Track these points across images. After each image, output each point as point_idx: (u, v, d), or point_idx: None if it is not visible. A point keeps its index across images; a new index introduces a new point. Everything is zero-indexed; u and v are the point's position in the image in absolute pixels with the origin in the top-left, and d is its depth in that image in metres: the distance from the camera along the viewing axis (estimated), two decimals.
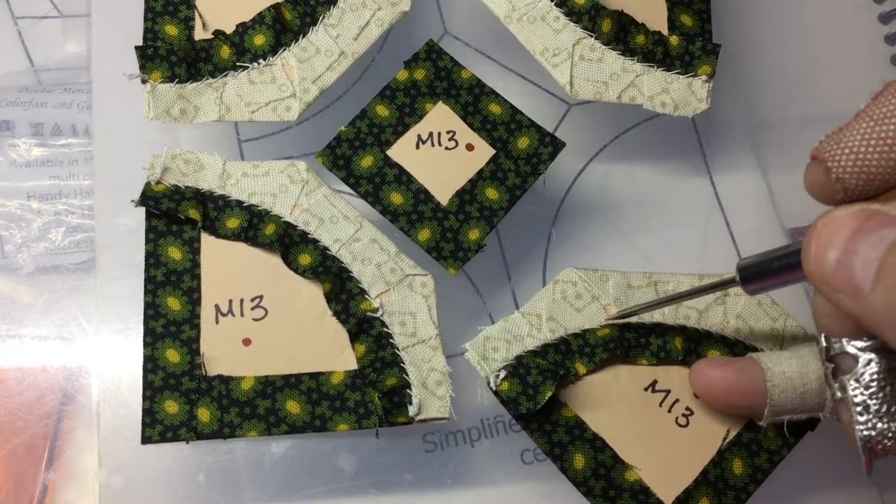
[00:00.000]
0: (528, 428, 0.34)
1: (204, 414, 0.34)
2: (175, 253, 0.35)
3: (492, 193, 0.37)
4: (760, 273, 0.31)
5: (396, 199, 0.37)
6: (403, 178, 0.37)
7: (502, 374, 0.35)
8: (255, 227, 0.36)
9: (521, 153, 0.38)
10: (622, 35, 0.40)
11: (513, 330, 0.36)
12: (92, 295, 0.40)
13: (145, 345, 0.34)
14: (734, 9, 0.49)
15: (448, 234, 0.36)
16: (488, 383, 0.34)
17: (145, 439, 0.33)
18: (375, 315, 0.35)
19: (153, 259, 0.35)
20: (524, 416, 0.34)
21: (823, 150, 0.29)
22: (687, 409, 0.35)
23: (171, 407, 0.33)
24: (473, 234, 0.36)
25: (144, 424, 0.33)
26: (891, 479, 0.40)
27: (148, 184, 0.36)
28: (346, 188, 0.37)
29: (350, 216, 0.37)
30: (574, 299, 0.36)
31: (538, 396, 0.34)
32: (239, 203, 0.36)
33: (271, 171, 0.37)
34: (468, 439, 0.40)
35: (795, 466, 0.38)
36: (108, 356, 0.39)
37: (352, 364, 0.35)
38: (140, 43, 0.37)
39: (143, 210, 0.36)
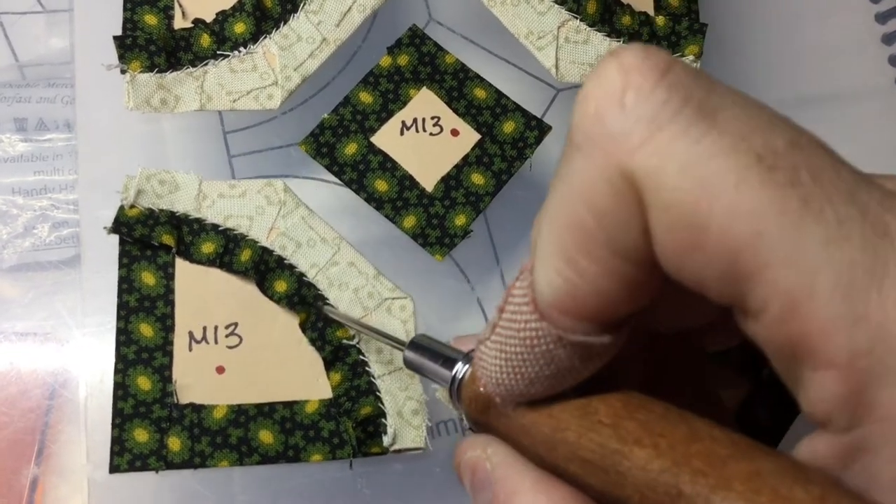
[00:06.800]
0: None
1: (175, 443, 0.33)
2: (149, 278, 0.35)
3: (478, 179, 0.37)
4: (421, 365, 0.27)
5: (381, 186, 0.36)
6: (388, 164, 0.37)
7: None
8: (230, 252, 0.35)
9: (506, 137, 0.37)
10: (608, 16, 0.39)
11: None
12: (77, 289, 0.39)
13: (116, 371, 0.33)
14: None
15: (434, 220, 0.36)
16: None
17: (113, 468, 0.32)
18: (351, 343, 0.35)
19: (126, 284, 0.34)
20: None
21: (477, 366, 0.22)
22: None
23: (141, 435, 0.33)
24: (460, 220, 0.36)
25: (113, 453, 0.32)
26: None
27: (121, 208, 0.35)
28: (331, 176, 0.36)
29: (328, 238, 0.36)
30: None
31: None
32: (214, 227, 0.35)
33: (248, 192, 0.36)
34: (460, 428, 0.39)
35: None
36: (93, 351, 0.38)
37: (326, 392, 0.34)
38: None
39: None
